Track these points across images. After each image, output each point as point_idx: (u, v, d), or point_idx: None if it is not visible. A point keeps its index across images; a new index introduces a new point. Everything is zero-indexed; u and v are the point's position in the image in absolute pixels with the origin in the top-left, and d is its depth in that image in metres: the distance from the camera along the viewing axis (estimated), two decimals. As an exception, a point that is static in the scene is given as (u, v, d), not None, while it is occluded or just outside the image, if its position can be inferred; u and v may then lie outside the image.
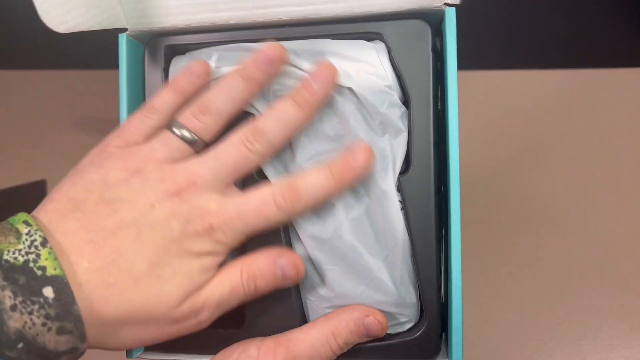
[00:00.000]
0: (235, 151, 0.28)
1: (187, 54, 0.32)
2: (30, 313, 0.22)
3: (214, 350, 0.30)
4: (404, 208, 0.29)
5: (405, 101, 0.30)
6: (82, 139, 0.58)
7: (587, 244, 0.50)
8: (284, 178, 0.29)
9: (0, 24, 0.64)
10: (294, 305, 0.31)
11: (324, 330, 0.28)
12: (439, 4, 0.28)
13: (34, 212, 0.26)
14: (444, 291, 0.31)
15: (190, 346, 0.31)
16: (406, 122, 0.29)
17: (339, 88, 0.30)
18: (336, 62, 0.30)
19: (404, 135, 0.29)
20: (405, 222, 0.29)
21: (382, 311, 0.29)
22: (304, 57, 0.30)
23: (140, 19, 0.31)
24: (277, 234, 0.30)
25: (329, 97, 0.29)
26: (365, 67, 0.30)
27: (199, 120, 0.28)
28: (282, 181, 0.28)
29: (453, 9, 0.28)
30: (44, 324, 0.23)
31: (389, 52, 0.30)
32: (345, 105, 0.30)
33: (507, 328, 0.47)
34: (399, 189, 0.29)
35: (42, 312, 0.23)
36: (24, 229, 0.24)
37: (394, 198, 0.29)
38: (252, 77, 0.29)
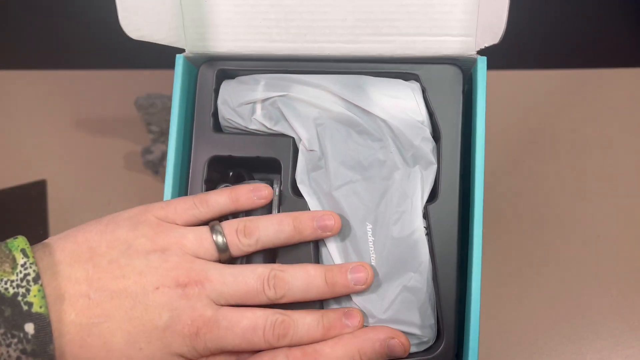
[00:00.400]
0: (252, 283, 0.29)
1: (237, 79, 0.35)
2: (9, 345, 0.24)
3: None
4: (429, 234, 0.32)
5: (436, 136, 0.33)
6: (82, 139, 0.58)
7: (587, 244, 0.50)
8: (281, 311, 0.29)
9: (0, 25, 0.64)
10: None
11: (350, 346, 0.30)
12: (472, 53, 0.32)
13: (50, 240, 0.28)
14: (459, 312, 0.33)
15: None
16: (436, 156, 0.32)
17: (376, 120, 0.32)
18: (375, 97, 0.33)
19: (434, 167, 0.32)
20: (429, 247, 0.32)
21: (402, 331, 0.31)
22: (347, 90, 0.33)
23: (198, 42, 0.34)
24: (307, 252, 0.32)
25: (353, 290, 0.31)
26: (402, 103, 0.33)
27: (239, 238, 0.30)
28: (278, 313, 0.29)
29: (484, 58, 0.32)
30: (18, 358, 0.24)
31: (423, 91, 0.33)
32: (381, 137, 0.32)
33: (507, 328, 0.47)
34: (425, 215, 0.32)
35: (20, 346, 0.24)
36: (20, 260, 0.25)
37: (421, 229, 0.31)
38: (301, 232, 0.31)
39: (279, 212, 0.33)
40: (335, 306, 0.32)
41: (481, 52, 0.31)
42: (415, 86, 0.33)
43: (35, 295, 0.24)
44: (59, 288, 0.25)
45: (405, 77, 0.33)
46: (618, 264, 0.49)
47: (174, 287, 0.27)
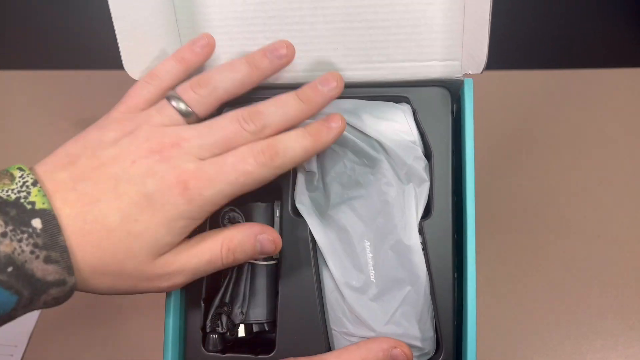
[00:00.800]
0: (228, 125, 0.29)
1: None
2: (20, 241, 0.24)
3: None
4: (425, 249, 0.33)
5: (427, 155, 0.34)
6: None
7: (587, 244, 0.50)
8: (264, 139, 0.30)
9: (0, 25, 0.64)
10: (321, 335, 0.33)
11: (355, 356, 0.31)
12: (459, 75, 0.33)
13: (35, 165, 0.29)
14: (457, 323, 0.34)
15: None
16: (428, 173, 0.34)
17: (371, 141, 0.34)
18: (369, 120, 0.34)
19: (427, 184, 0.33)
20: (426, 261, 0.33)
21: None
22: (342, 113, 0.34)
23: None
24: (308, 271, 0.34)
25: (330, 100, 0.31)
26: (394, 125, 0.34)
27: (195, 91, 0.30)
28: (261, 140, 0.29)
29: (471, 80, 0.33)
30: (32, 252, 0.24)
31: (414, 113, 0.35)
32: (376, 157, 0.34)
33: (507, 328, 0.47)
34: (421, 231, 0.33)
35: (31, 240, 0.24)
36: (17, 173, 0.26)
37: (417, 245, 0.33)
38: (257, 65, 0.31)
39: (280, 232, 0.35)
40: (336, 334, 0.33)
41: (468, 75, 0.33)
42: (406, 108, 0.35)
43: (36, 195, 0.25)
44: (48, 191, 0.26)
45: (396, 100, 0.35)
46: (618, 264, 0.49)
47: (150, 155, 0.28)
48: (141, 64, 0.33)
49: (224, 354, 0.34)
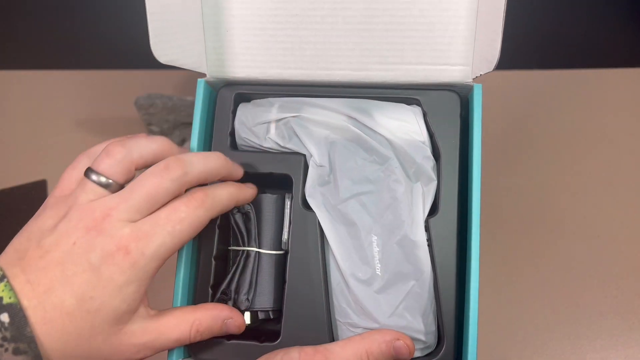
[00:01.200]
0: (148, 180, 0.30)
1: (252, 102, 0.38)
2: None
3: (251, 361, 0.33)
4: (430, 245, 0.34)
5: (436, 155, 0.35)
6: (82, 139, 0.57)
7: (587, 244, 0.50)
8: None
9: (0, 25, 0.63)
10: (326, 325, 0.34)
11: (359, 347, 0.32)
12: (469, 81, 0.35)
13: None
14: (458, 319, 0.35)
15: (227, 358, 0.34)
16: (436, 173, 0.35)
17: (382, 140, 0.35)
18: (380, 119, 0.36)
19: (434, 183, 0.35)
20: (431, 257, 0.34)
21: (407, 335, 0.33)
22: (355, 111, 0.36)
23: (218, 67, 0.37)
24: (316, 263, 0.34)
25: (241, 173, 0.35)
26: (405, 125, 0.36)
27: (109, 159, 0.30)
28: (189, 191, 0.31)
29: (480, 85, 0.35)
30: (1, 345, 0.26)
31: (424, 115, 0.36)
32: (386, 155, 0.35)
33: (507, 328, 0.47)
34: (427, 228, 0.34)
35: None
36: None
37: (423, 241, 0.34)
38: (172, 145, 0.33)
39: (290, 224, 0.36)
40: (340, 325, 0.34)
41: (477, 79, 0.35)
42: (417, 110, 0.36)
43: (3, 290, 0.27)
44: (14, 286, 0.27)
45: (408, 101, 0.36)
46: (618, 263, 0.49)
47: (87, 232, 0.29)
48: (166, 47, 0.34)
49: (228, 340, 0.35)
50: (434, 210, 0.35)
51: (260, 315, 0.35)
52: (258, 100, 0.38)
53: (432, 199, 0.35)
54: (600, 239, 0.50)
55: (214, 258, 0.36)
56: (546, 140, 0.54)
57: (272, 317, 0.35)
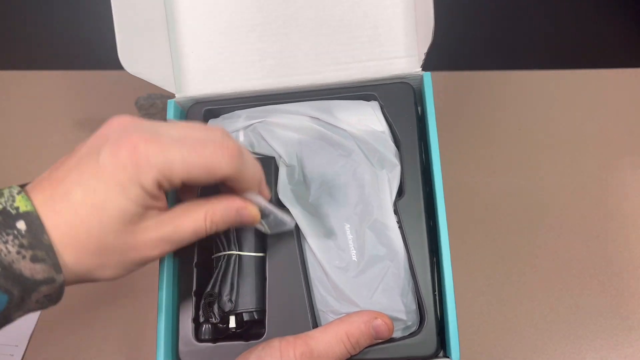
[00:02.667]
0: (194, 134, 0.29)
1: (221, 117, 0.41)
2: (6, 242, 0.25)
3: None
4: (401, 227, 0.35)
5: (397, 143, 0.37)
6: (82, 139, 0.54)
7: (586, 244, 0.50)
8: None
9: (1, 25, 0.63)
10: (308, 316, 0.35)
11: (339, 330, 0.32)
12: (418, 70, 0.37)
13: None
14: (439, 296, 0.35)
15: (214, 357, 0.35)
16: (399, 159, 0.37)
17: (345, 134, 0.37)
18: (341, 116, 0.38)
19: (398, 168, 0.36)
20: (403, 238, 0.35)
21: (390, 316, 0.33)
22: (317, 111, 0.38)
23: (186, 87, 0.39)
24: (293, 251, 0.36)
25: None
26: (364, 119, 0.38)
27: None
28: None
29: (429, 73, 0.37)
30: (18, 252, 0.25)
31: (381, 107, 0.38)
32: (350, 147, 0.37)
33: (507, 328, 0.47)
34: (396, 211, 0.36)
35: (16, 241, 0.25)
36: (6, 190, 0.27)
37: (394, 223, 0.35)
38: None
39: (264, 226, 0.37)
40: (323, 314, 0.35)
41: (426, 68, 0.37)
42: (374, 104, 0.38)
43: (20, 200, 0.27)
44: (32, 196, 0.27)
45: (365, 97, 0.39)
46: (618, 263, 0.49)
47: (102, 138, 0.29)
48: (133, 59, 0.36)
49: (214, 343, 0.35)
50: (400, 193, 0.36)
51: (245, 317, 0.36)
52: (226, 114, 0.40)
53: (398, 183, 0.36)
54: (600, 238, 0.50)
55: (195, 265, 0.37)
56: (546, 140, 0.55)
57: (256, 317, 0.36)
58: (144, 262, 0.30)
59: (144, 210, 0.28)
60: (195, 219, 0.30)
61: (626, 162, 0.53)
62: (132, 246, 0.29)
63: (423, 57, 0.36)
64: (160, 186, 0.28)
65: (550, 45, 0.62)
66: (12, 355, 0.49)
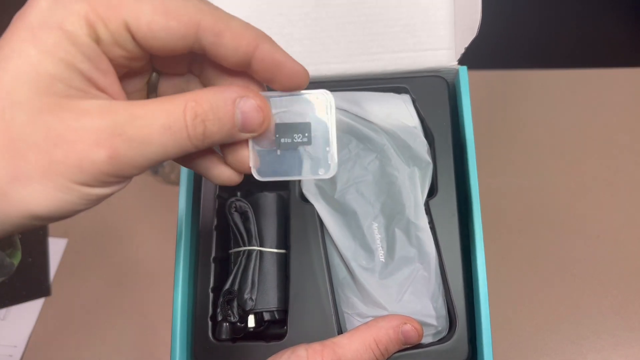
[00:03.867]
0: None
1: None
2: None
3: (259, 361, 0.31)
4: (432, 227, 0.34)
5: (429, 139, 0.36)
6: None
7: (587, 244, 0.49)
8: None
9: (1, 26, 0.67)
10: (333, 319, 0.33)
11: (367, 336, 0.30)
12: (454, 64, 0.36)
13: None
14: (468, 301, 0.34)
15: (232, 357, 0.33)
16: (431, 156, 0.35)
17: (375, 128, 0.35)
18: (371, 109, 0.36)
19: (431, 166, 0.35)
20: (434, 240, 0.33)
21: (418, 321, 0.32)
22: (346, 102, 0.36)
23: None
24: (318, 255, 0.34)
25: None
26: (395, 112, 0.36)
27: None
28: None
29: (465, 67, 0.35)
30: None
31: (413, 101, 0.36)
32: (380, 142, 0.35)
33: (507, 328, 0.47)
34: (428, 211, 0.34)
35: None
36: None
37: (425, 223, 0.33)
38: None
39: (289, 219, 0.35)
40: (348, 317, 0.33)
41: (462, 62, 0.35)
42: (406, 98, 0.36)
43: None
44: None
45: (396, 90, 0.37)
46: (618, 264, 0.49)
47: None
48: None
49: (234, 342, 0.33)
50: (432, 192, 0.35)
51: (266, 316, 0.34)
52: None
53: (430, 182, 0.34)
54: (600, 239, 0.50)
55: (212, 260, 0.35)
56: (546, 140, 0.54)
57: (277, 317, 0.34)
58: (85, 174, 0.19)
59: (82, 83, 0.19)
60: (168, 110, 0.20)
61: (627, 161, 0.53)
62: (60, 137, 0.18)
63: (462, 50, 0.34)
64: (116, 44, 0.19)
65: (550, 45, 0.62)
66: (11, 355, 0.49)
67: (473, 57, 0.36)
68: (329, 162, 0.22)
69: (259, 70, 0.22)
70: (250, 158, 0.23)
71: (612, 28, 0.62)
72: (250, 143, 0.23)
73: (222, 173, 0.24)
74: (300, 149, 0.23)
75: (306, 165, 0.23)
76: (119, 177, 0.20)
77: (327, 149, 0.22)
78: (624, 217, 0.51)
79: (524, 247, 0.50)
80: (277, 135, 0.23)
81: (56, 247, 0.54)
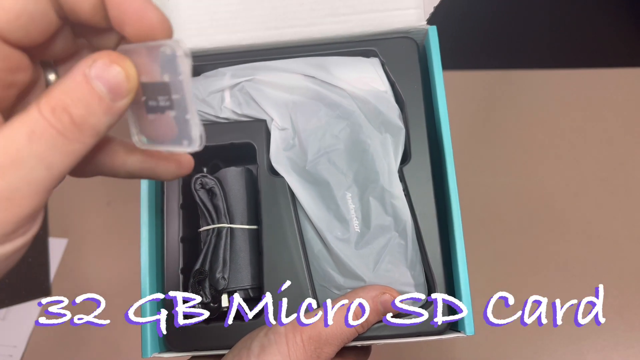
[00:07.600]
0: None
1: (202, 75, 0.36)
2: None
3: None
4: (407, 195, 0.33)
5: (400, 103, 0.34)
6: None
7: (587, 244, 0.50)
8: None
9: None
10: (309, 293, 0.32)
11: (344, 312, 0.30)
12: (423, 24, 0.34)
13: None
14: (447, 268, 0.33)
15: (213, 341, 0.32)
16: (403, 121, 0.34)
17: (344, 94, 0.34)
18: (339, 74, 0.34)
19: (403, 131, 0.33)
20: (409, 207, 0.33)
21: (397, 290, 0.31)
22: (312, 68, 0.34)
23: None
24: (290, 222, 0.33)
25: None
26: (364, 77, 0.34)
27: None
28: None
29: (434, 27, 0.34)
30: None
31: (383, 65, 0.35)
32: (350, 108, 0.34)
33: (507, 327, 0.47)
34: (402, 178, 0.33)
35: None
36: None
37: (399, 191, 0.32)
38: None
39: (259, 194, 0.34)
40: (326, 290, 0.32)
41: (432, 22, 0.34)
42: (374, 61, 0.35)
43: None
44: None
45: (365, 53, 0.35)
46: (618, 263, 0.49)
47: None
48: None
49: (208, 324, 0.32)
50: (405, 158, 0.34)
51: (240, 295, 0.33)
52: (209, 72, 0.36)
53: (403, 148, 0.33)
54: (600, 239, 0.50)
55: (181, 240, 0.33)
56: (546, 139, 0.54)
57: (252, 295, 0.33)
58: None
59: None
60: (25, 117, 0.17)
61: (627, 161, 0.54)
62: None
63: (431, 9, 0.33)
64: None
65: (549, 44, 0.61)
66: (11, 355, 0.49)
67: (442, 17, 0.35)
68: (191, 133, 0.18)
69: (114, 17, 0.18)
70: (130, 125, 0.20)
71: (612, 28, 0.61)
72: (129, 111, 0.20)
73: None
74: (170, 114, 0.19)
75: (175, 134, 0.19)
76: (14, 223, 0.16)
77: (187, 116, 0.18)
78: (624, 217, 0.51)
79: (524, 247, 0.50)
80: (144, 98, 0.19)
81: (56, 247, 0.54)
